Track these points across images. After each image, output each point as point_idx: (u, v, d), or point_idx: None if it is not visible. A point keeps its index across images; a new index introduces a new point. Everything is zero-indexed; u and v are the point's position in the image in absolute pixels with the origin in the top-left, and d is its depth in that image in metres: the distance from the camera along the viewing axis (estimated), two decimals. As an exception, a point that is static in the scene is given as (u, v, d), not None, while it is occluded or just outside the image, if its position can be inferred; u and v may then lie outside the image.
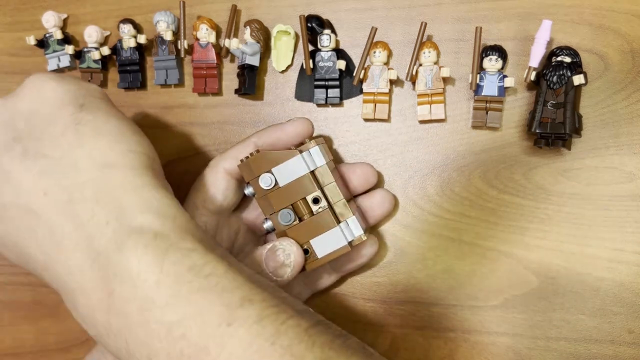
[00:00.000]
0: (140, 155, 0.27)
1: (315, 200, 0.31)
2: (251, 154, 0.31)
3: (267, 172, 0.31)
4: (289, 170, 0.31)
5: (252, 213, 0.36)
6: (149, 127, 0.41)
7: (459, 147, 0.37)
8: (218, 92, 0.40)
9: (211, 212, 0.32)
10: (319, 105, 0.39)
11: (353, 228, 0.31)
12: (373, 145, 0.38)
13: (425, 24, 0.35)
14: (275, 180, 0.31)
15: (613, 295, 0.35)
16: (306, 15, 0.37)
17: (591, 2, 0.36)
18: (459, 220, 0.37)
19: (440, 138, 0.37)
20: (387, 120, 0.38)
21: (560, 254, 0.36)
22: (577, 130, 0.34)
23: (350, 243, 0.31)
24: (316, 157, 0.31)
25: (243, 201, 0.36)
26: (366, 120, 0.38)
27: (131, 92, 0.41)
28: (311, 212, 0.31)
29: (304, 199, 0.31)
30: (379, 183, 0.37)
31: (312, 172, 0.31)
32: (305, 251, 0.31)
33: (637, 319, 0.35)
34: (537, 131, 0.34)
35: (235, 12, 0.39)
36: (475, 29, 0.35)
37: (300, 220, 0.31)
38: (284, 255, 0.29)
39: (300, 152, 0.31)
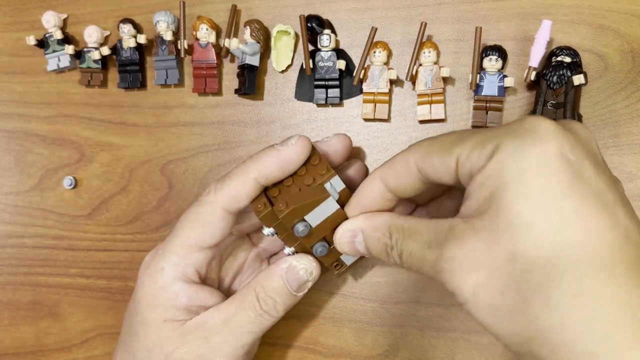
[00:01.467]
0: None
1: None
2: (279, 209, 0.28)
3: (299, 221, 0.29)
4: (321, 212, 0.29)
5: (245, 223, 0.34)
6: (149, 127, 0.41)
7: (459, 147, 0.37)
8: (218, 92, 0.40)
9: (204, 249, 0.30)
10: (319, 105, 0.39)
11: None
12: (373, 145, 0.38)
13: (425, 24, 0.35)
14: (309, 225, 0.29)
15: (613, 295, 0.35)
16: (306, 15, 0.37)
17: (591, 2, 0.36)
18: (459, 220, 0.37)
19: (440, 138, 0.37)
20: (387, 120, 0.38)
21: (560, 254, 0.35)
22: (577, 130, 0.34)
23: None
24: (336, 184, 0.29)
25: None
26: (366, 120, 0.38)
27: (131, 92, 0.41)
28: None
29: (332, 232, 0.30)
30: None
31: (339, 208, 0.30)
32: (337, 265, 0.32)
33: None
34: (537, 131, 0.34)
35: (235, 12, 0.39)
36: (475, 29, 0.35)
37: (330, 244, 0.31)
38: (307, 274, 0.30)
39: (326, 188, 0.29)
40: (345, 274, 0.37)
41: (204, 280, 0.31)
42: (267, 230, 0.30)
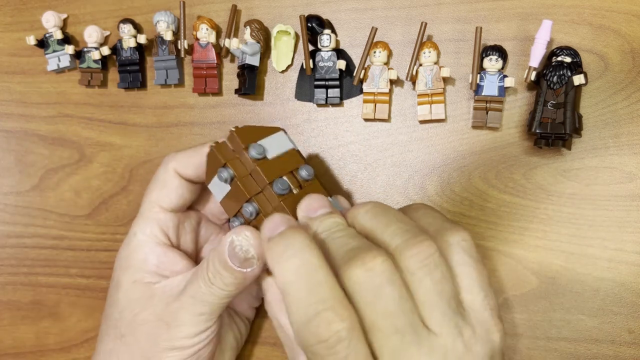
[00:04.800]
0: None
1: (305, 173, 0.29)
2: (233, 129, 0.29)
3: (254, 144, 0.29)
4: (276, 144, 0.29)
5: (212, 204, 0.36)
6: (149, 127, 0.41)
7: (459, 147, 0.37)
8: (218, 92, 0.40)
9: (168, 210, 0.32)
10: (319, 105, 0.39)
11: (338, 205, 0.30)
12: (373, 145, 0.38)
13: (426, 24, 0.35)
14: (264, 150, 0.29)
15: (613, 295, 0.35)
16: (306, 15, 0.37)
17: (591, 2, 0.36)
18: (459, 221, 0.37)
19: (440, 138, 0.37)
20: (387, 120, 0.38)
21: (560, 254, 0.36)
22: (577, 130, 0.34)
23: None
24: (292, 139, 0.31)
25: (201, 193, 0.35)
26: (366, 120, 0.38)
27: (131, 92, 0.41)
28: (299, 186, 0.29)
29: (292, 172, 0.29)
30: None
31: (294, 149, 0.30)
32: None
33: (637, 319, 0.35)
34: (537, 131, 0.34)
35: (235, 12, 0.39)
36: (476, 29, 0.35)
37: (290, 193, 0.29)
38: (242, 251, 0.28)
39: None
40: None
41: (176, 246, 0.33)
42: (224, 173, 0.28)
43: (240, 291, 0.29)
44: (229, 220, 0.32)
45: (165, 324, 0.29)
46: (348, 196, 0.38)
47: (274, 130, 0.30)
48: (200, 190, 0.34)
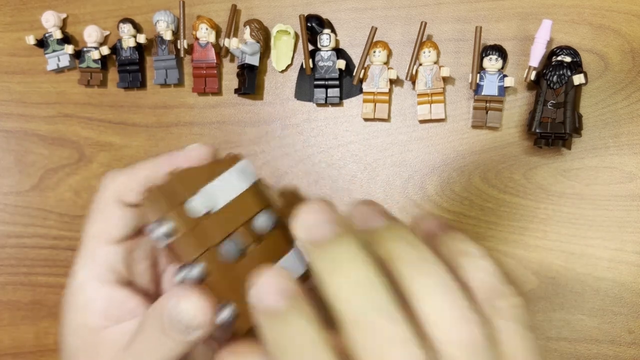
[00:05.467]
0: None
1: (262, 223, 0.24)
2: (166, 177, 0.23)
3: (193, 194, 0.23)
4: (225, 188, 0.23)
5: None
6: (149, 126, 0.41)
7: (459, 146, 0.37)
8: (218, 92, 0.40)
9: (112, 243, 0.27)
10: (318, 104, 0.39)
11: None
12: (373, 145, 0.38)
13: (425, 23, 0.35)
14: (210, 200, 0.23)
15: (613, 295, 0.35)
16: (306, 14, 0.37)
17: (591, 2, 0.36)
18: (459, 220, 0.37)
19: (440, 138, 0.37)
20: (387, 119, 0.38)
21: (560, 254, 0.36)
22: (577, 130, 0.34)
23: (306, 272, 0.24)
24: (247, 172, 0.24)
25: None
26: (366, 119, 0.38)
27: (131, 91, 0.41)
28: (258, 239, 0.24)
29: (247, 223, 0.23)
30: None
31: (252, 187, 0.24)
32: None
33: (637, 319, 0.35)
34: (537, 131, 0.34)
35: (235, 11, 0.39)
36: (475, 28, 0.35)
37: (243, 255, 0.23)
38: (181, 324, 0.23)
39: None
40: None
41: (129, 281, 0.28)
42: (159, 231, 0.22)
43: (189, 351, 0.25)
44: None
45: None
46: (348, 196, 0.38)
47: (221, 167, 0.24)
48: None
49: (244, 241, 0.23)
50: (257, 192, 0.24)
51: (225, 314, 0.23)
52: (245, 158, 0.24)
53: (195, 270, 0.23)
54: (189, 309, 0.23)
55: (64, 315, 0.28)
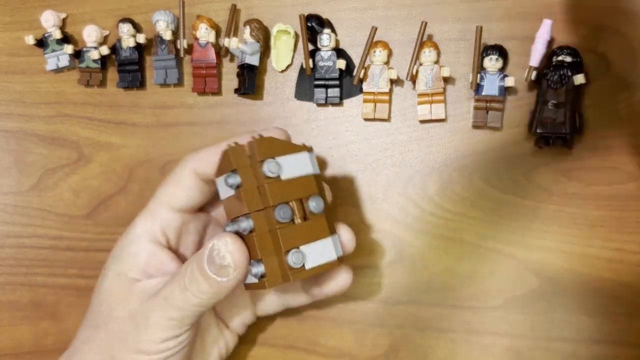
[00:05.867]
0: None
1: (314, 205, 0.27)
2: (256, 137, 0.27)
3: (271, 158, 0.26)
4: (295, 164, 0.27)
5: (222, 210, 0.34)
6: (148, 126, 0.41)
7: (460, 147, 0.37)
8: (218, 92, 0.40)
9: (175, 210, 0.31)
10: (319, 105, 0.39)
11: (339, 245, 0.29)
12: (373, 145, 0.38)
13: (426, 23, 0.35)
14: (280, 168, 0.27)
15: (614, 296, 0.35)
16: (306, 14, 0.37)
17: (592, 2, 0.35)
18: (460, 221, 0.37)
19: (440, 138, 0.37)
20: (387, 120, 0.38)
21: (561, 254, 0.35)
22: (578, 130, 0.34)
23: (339, 259, 0.28)
24: (315, 162, 0.29)
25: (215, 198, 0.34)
26: (366, 120, 0.38)
27: (130, 91, 0.41)
28: (304, 217, 0.27)
29: (301, 200, 0.27)
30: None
31: (314, 174, 0.28)
32: (296, 258, 0.26)
33: (637, 319, 0.35)
34: (538, 131, 0.34)
35: (234, 11, 0.38)
36: (476, 28, 0.35)
37: (292, 222, 0.27)
38: (219, 257, 0.26)
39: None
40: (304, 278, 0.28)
41: (175, 248, 0.32)
42: (231, 179, 0.26)
43: (216, 302, 0.27)
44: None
45: (135, 323, 0.28)
46: (348, 196, 0.38)
47: (299, 148, 0.28)
48: (214, 193, 0.32)
49: (295, 213, 0.27)
50: (317, 180, 0.28)
51: (258, 268, 0.26)
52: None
53: (245, 224, 0.26)
54: (229, 250, 0.26)
55: (108, 262, 0.32)
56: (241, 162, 0.26)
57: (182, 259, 0.32)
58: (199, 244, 0.34)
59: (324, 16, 0.38)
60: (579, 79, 0.33)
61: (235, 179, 0.26)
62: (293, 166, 0.27)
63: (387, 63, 0.37)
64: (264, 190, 0.26)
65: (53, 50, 0.41)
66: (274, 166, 0.26)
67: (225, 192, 0.28)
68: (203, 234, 0.34)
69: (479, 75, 0.35)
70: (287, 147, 0.27)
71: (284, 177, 0.27)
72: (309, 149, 0.28)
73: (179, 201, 0.31)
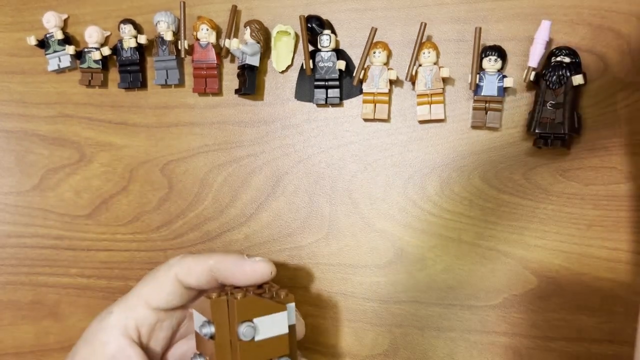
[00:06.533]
0: None
1: None
2: (236, 296, 0.28)
3: (248, 321, 0.27)
4: (271, 325, 0.28)
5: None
6: (149, 127, 0.41)
7: (459, 147, 0.37)
8: (218, 92, 0.40)
9: (152, 308, 0.32)
10: (319, 105, 0.39)
11: None
12: (373, 145, 0.38)
13: (425, 24, 0.35)
14: (255, 331, 0.28)
15: (613, 295, 0.35)
16: (306, 15, 0.37)
17: (590, 3, 0.36)
18: (459, 220, 0.37)
19: (440, 138, 0.37)
20: (387, 120, 0.38)
21: (559, 254, 0.36)
22: (577, 130, 0.34)
23: None
24: (291, 313, 0.29)
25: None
26: (366, 120, 0.38)
27: (131, 92, 0.41)
28: None
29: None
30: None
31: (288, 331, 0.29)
32: None
33: (635, 318, 0.35)
34: (537, 131, 0.34)
35: (235, 12, 0.39)
36: (475, 29, 0.35)
37: None
38: None
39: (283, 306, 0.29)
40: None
41: (144, 344, 0.32)
42: (206, 329, 0.28)
43: None
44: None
45: None
46: (348, 196, 0.38)
47: (277, 308, 0.28)
48: (193, 297, 0.33)
49: None
50: (290, 337, 0.29)
51: None
52: (291, 297, 0.30)
53: None
54: None
55: (78, 344, 0.32)
56: (219, 317, 0.28)
57: (150, 354, 0.32)
58: (170, 339, 0.34)
59: (324, 17, 0.38)
60: (578, 79, 0.33)
61: (210, 329, 0.28)
62: (269, 327, 0.28)
63: (386, 64, 0.37)
64: (235, 349, 0.28)
65: (54, 51, 0.41)
66: (250, 331, 0.27)
67: (199, 328, 0.29)
68: (176, 330, 0.34)
69: (478, 76, 0.35)
70: (267, 307, 0.28)
71: (258, 338, 0.28)
72: (287, 306, 0.29)
73: (158, 301, 0.32)
